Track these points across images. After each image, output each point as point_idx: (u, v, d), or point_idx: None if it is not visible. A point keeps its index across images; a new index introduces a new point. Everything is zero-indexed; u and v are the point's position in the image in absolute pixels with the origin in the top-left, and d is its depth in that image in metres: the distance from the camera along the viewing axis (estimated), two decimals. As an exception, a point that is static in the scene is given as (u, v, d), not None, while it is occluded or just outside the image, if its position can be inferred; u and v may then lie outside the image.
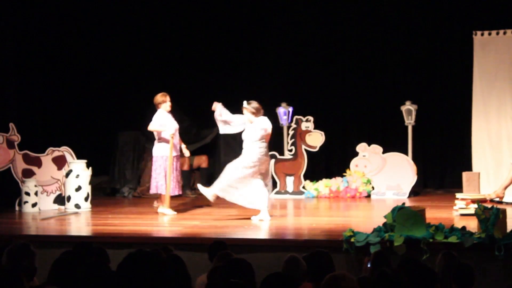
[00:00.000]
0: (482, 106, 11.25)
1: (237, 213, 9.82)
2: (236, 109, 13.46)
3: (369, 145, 11.84)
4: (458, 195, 9.55)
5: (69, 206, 10.56)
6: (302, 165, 12.07)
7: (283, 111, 12.36)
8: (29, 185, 10.48)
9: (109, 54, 13.18)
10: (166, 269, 4.32)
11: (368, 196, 11.67)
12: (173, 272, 4.60)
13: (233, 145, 13.05)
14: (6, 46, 11.60)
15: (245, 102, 9.40)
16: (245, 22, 13.36)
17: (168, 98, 10.08)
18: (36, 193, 10.53)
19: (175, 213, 9.92)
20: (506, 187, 10.06)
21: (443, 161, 12.73)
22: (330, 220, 9.48)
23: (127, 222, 9.44)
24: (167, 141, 9.83)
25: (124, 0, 13.32)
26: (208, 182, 12.91)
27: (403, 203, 7.84)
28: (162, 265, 4.30)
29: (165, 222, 9.40)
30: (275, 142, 12.67)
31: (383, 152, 11.79)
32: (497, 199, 9.92)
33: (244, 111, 9.39)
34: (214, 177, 12.98)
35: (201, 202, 11.47)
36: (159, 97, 10.06)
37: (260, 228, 8.82)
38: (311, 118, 12.13)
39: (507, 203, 9.90)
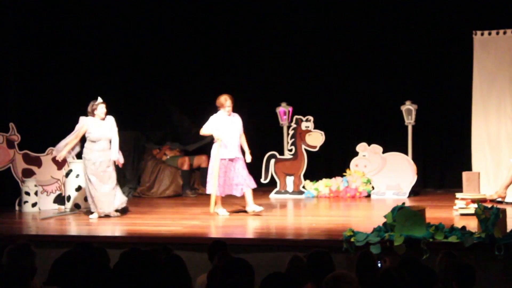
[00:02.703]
0: (482, 106, 11.25)
1: (237, 213, 9.82)
2: (236, 108, 13.51)
3: (369, 145, 11.84)
4: (458, 195, 9.56)
5: (69, 206, 10.56)
6: (302, 165, 12.07)
7: (283, 111, 12.36)
8: (29, 185, 10.48)
9: (109, 53, 13.17)
10: (162, 268, 4.32)
11: (368, 196, 11.67)
12: (171, 271, 4.60)
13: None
14: (6, 46, 11.59)
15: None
16: (245, 22, 13.35)
17: (227, 103, 9.88)
18: (36, 193, 10.54)
19: (227, 214, 9.81)
20: (507, 187, 10.06)
21: (443, 161, 12.72)
22: (330, 220, 9.48)
23: (127, 222, 9.44)
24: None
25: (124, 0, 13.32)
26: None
27: (403, 203, 7.85)
28: (157, 263, 4.31)
29: (165, 222, 9.40)
30: (275, 142, 12.70)
31: (383, 152, 11.79)
32: (500, 199, 9.93)
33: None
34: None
35: (201, 202, 11.48)
36: (218, 100, 9.97)
37: (260, 228, 8.82)
38: (311, 118, 12.14)
39: (507, 203, 9.90)
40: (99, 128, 9.77)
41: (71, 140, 9.76)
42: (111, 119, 9.91)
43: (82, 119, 9.79)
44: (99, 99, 9.87)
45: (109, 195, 9.74)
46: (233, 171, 9.78)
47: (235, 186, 9.77)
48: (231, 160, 9.76)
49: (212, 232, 8.41)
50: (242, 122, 10.07)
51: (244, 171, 9.81)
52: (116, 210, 9.83)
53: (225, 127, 9.81)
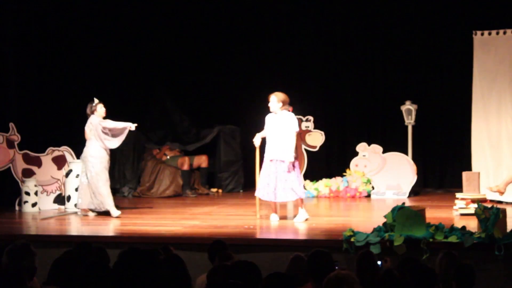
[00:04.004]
0: (482, 106, 11.24)
1: (237, 213, 9.82)
2: (236, 108, 13.53)
3: (369, 145, 11.85)
4: (458, 195, 9.56)
5: (69, 206, 10.56)
6: (302, 165, 12.05)
7: (283, 111, 12.34)
8: (29, 184, 10.48)
9: (109, 53, 13.17)
10: (161, 267, 4.32)
11: (368, 196, 11.67)
12: (171, 271, 4.60)
13: (233, 145, 13.07)
14: (6, 46, 11.58)
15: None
16: (245, 22, 13.36)
17: (270, 100, 9.24)
18: (36, 193, 10.53)
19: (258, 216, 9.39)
20: (508, 183, 10.03)
21: (443, 161, 12.73)
22: (330, 220, 9.48)
23: (127, 222, 9.44)
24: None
25: None
26: (208, 182, 12.97)
27: (403, 203, 7.85)
28: (157, 262, 4.30)
29: (165, 222, 9.40)
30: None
31: (383, 152, 11.79)
32: (498, 194, 9.89)
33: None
34: (214, 176, 13.07)
35: (201, 202, 11.49)
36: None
37: (260, 228, 8.82)
38: (311, 118, 12.14)
39: (507, 203, 9.90)
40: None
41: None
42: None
43: (95, 117, 9.87)
44: (96, 100, 9.94)
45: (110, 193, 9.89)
46: (273, 174, 9.07)
47: (273, 191, 9.10)
48: (271, 161, 9.10)
49: (212, 232, 8.40)
50: (294, 121, 9.19)
51: (285, 177, 8.98)
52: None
53: (270, 127, 9.27)
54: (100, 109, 9.93)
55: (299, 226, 8.89)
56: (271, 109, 9.30)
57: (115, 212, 9.73)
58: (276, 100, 9.27)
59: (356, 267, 5.33)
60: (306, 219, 9.10)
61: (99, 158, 9.81)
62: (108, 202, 9.78)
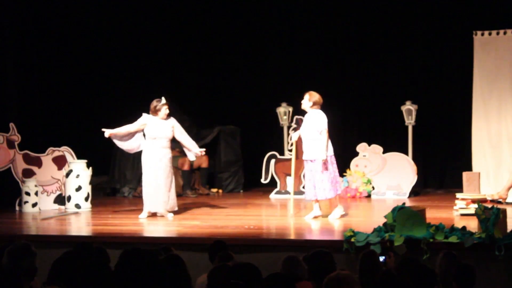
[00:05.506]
0: (482, 106, 11.25)
1: (237, 213, 9.81)
2: (236, 108, 13.50)
3: (369, 145, 11.84)
4: (458, 195, 9.55)
5: (69, 206, 10.57)
6: (302, 165, 12.01)
7: (283, 111, 12.36)
8: (29, 185, 10.48)
9: (109, 53, 13.18)
10: (162, 268, 4.32)
11: (368, 196, 11.67)
12: (171, 271, 4.60)
13: (233, 145, 13.07)
14: (6, 46, 11.59)
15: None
16: (245, 22, 13.35)
17: (304, 96, 9.40)
18: (36, 193, 10.53)
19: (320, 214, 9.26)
20: (509, 188, 10.06)
21: (443, 161, 12.72)
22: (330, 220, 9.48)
23: (127, 222, 9.44)
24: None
25: None
26: (209, 182, 12.97)
27: (403, 203, 7.85)
28: (157, 262, 4.31)
29: (166, 222, 9.40)
30: (275, 142, 12.71)
31: (383, 152, 11.79)
32: (500, 200, 9.94)
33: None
34: (215, 177, 13.06)
35: (201, 202, 11.48)
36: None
37: (260, 228, 8.82)
38: (311, 118, 12.11)
39: (507, 203, 9.90)
40: (159, 126, 9.69)
41: (126, 127, 9.81)
42: (173, 121, 9.82)
43: (144, 115, 9.75)
44: (163, 100, 9.72)
45: (164, 194, 9.66)
46: (309, 172, 9.24)
47: (306, 189, 9.41)
48: (305, 161, 9.30)
49: (212, 232, 8.40)
50: (321, 119, 9.17)
51: (321, 178, 9.06)
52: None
53: (302, 126, 9.40)
54: (164, 111, 9.69)
55: (299, 226, 8.91)
56: (302, 106, 9.41)
57: (142, 213, 9.70)
58: (308, 98, 9.36)
59: (359, 267, 5.33)
60: (342, 216, 9.19)
61: (143, 156, 9.84)
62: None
